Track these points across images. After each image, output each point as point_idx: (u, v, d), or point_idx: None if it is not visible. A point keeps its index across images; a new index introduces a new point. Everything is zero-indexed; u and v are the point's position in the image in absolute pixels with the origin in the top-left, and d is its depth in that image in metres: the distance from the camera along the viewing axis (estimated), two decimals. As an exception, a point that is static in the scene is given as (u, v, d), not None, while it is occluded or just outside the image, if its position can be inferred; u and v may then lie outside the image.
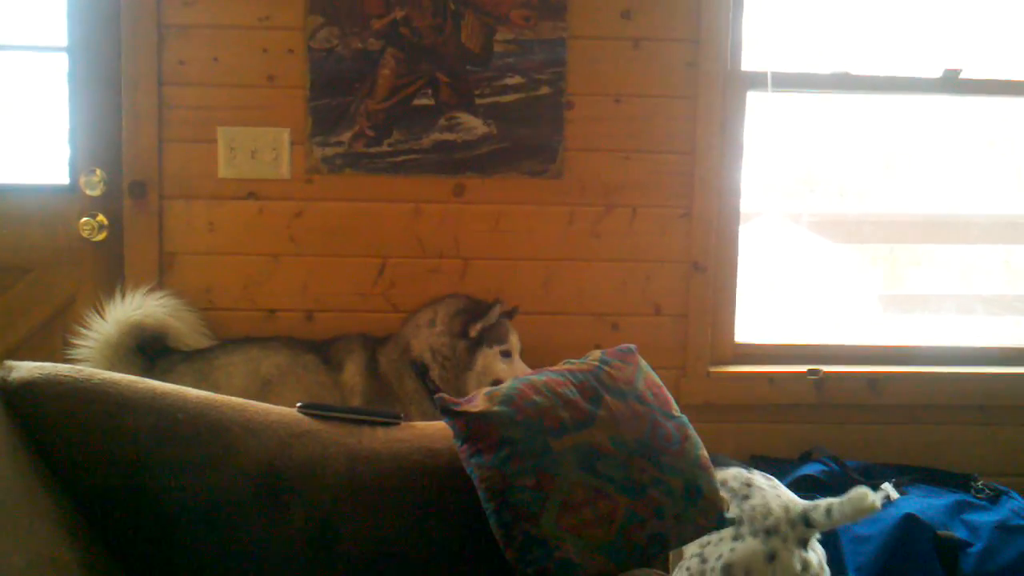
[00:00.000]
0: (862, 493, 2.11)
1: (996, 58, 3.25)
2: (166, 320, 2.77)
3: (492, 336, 2.75)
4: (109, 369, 2.45)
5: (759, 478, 2.37)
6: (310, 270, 2.98)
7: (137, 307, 2.74)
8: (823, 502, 2.20)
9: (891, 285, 3.77)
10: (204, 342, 2.84)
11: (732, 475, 2.37)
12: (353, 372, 2.74)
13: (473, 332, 2.73)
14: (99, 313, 2.72)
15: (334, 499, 1.92)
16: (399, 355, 2.77)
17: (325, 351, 2.80)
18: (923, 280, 3.76)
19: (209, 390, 2.03)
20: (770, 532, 2.23)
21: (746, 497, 2.30)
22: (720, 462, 2.37)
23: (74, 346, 2.69)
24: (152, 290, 2.81)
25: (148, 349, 2.73)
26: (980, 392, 3.13)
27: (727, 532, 2.24)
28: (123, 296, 2.76)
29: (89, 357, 2.67)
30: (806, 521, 2.21)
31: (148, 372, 2.54)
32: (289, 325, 2.96)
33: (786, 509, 2.25)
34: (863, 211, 3.61)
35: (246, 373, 2.67)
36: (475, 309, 2.77)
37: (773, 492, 2.32)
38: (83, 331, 2.69)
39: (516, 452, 1.92)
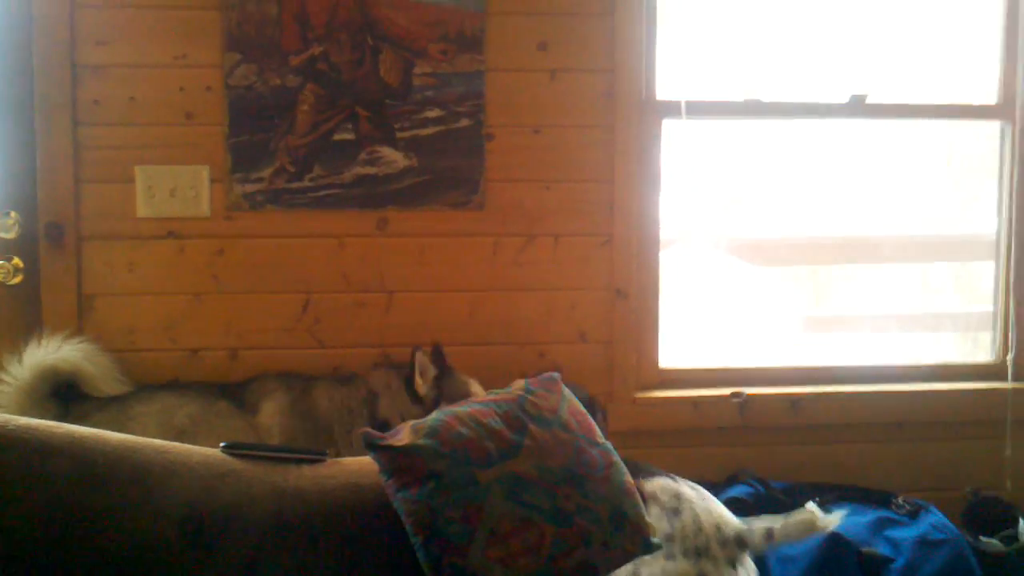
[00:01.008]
0: (809, 515, 2.12)
1: (901, 83, 3.36)
2: (81, 364, 2.72)
3: (451, 393, 2.70)
4: (23, 415, 2.41)
5: (687, 489, 2.37)
6: (233, 308, 2.96)
7: (52, 351, 2.70)
8: (760, 525, 2.21)
9: (813, 306, 3.84)
10: (119, 387, 2.79)
11: (660, 487, 2.36)
12: (271, 412, 2.71)
13: (422, 392, 2.72)
14: (14, 359, 2.67)
15: (260, 539, 1.90)
16: (359, 404, 2.76)
17: (240, 395, 2.77)
18: (844, 300, 3.83)
19: (123, 440, 2.00)
20: (700, 552, 2.25)
21: (676, 512, 2.31)
22: (644, 471, 2.37)
23: None
24: (70, 334, 2.77)
25: (63, 395, 2.69)
26: (898, 409, 3.20)
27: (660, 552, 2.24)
28: (39, 341, 2.71)
29: (2, 403, 2.62)
30: (739, 543, 2.23)
31: (62, 419, 2.49)
32: (213, 364, 2.93)
33: (718, 528, 2.25)
34: (781, 234, 3.67)
35: (159, 424, 2.62)
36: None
37: (703, 506, 2.32)
38: (0, 375, 2.65)
39: (442, 485, 1.92)
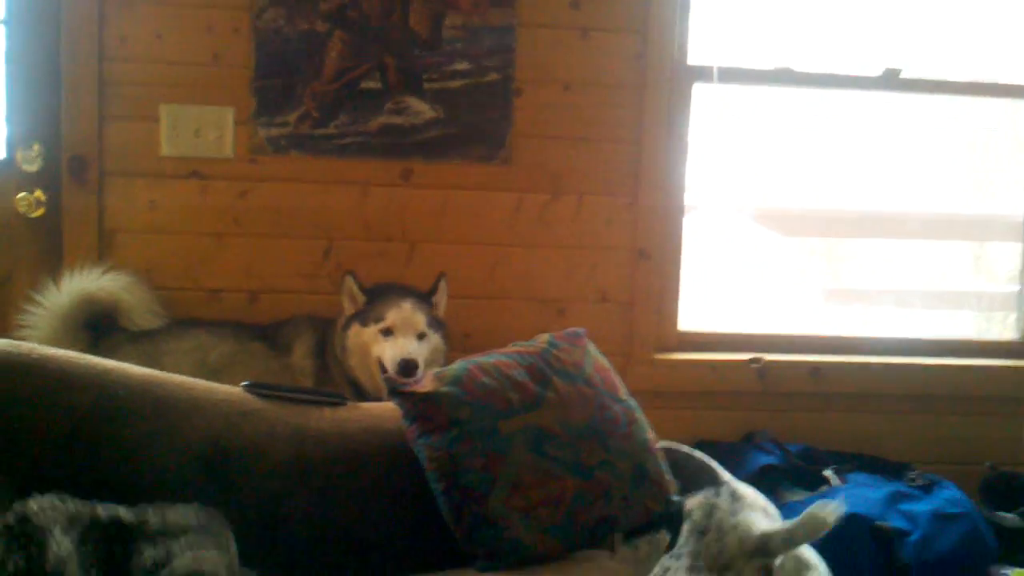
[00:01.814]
0: (814, 514, 2.10)
1: (935, 58, 3.32)
2: (119, 294, 2.71)
3: (369, 315, 2.66)
4: (54, 342, 2.42)
5: (724, 501, 2.32)
6: (254, 251, 2.94)
7: (92, 280, 2.68)
8: (779, 531, 2.17)
9: (829, 279, 3.82)
10: (154, 321, 2.77)
11: (697, 504, 2.33)
12: (302, 354, 2.71)
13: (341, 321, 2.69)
14: (51, 286, 2.66)
15: (281, 479, 1.90)
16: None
17: (273, 336, 2.76)
18: (860, 274, 3.81)
19: (156, 375, 1.99)
20: (724, 570, 2.21)
21: (703, 532, 2.27)
22: (693, 479, 2.33)
23: (23, 314, 2.63)
24: (107, 269, 2.74)
25: (95, 326, 2.68)
26: (919, 382, 3.19)
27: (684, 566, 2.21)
28: (73, 270, 2.69)
29: (36, 325, 2.62)
30: (764, 552, 2.19)
31: (92, 349, 2.48)
32: (233, 306, 2.92)
33: (740, 542, 2.20)
34: (806, 205, 3.65)
35: (194, 362, 2.61)
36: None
37: (731, 523, 2.27)
38: (35, 299, 2.64)
39: (465, 433, 1.92)
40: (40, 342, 2.47)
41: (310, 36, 2.90)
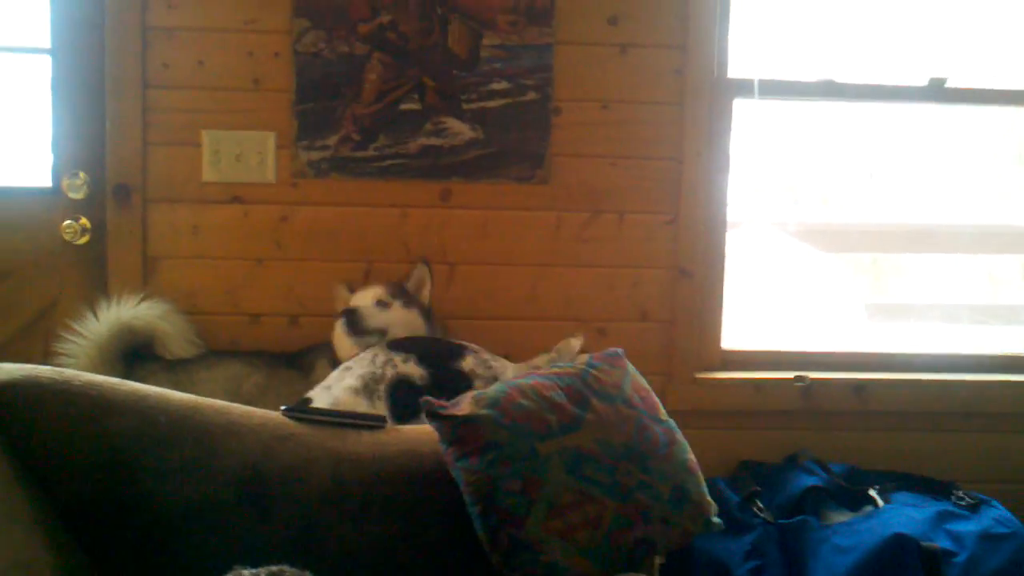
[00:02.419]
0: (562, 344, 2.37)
1: (982, 68, 3.26)
2: (156, 323, 2.75)
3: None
4: (92, 371, 2.45)
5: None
6: (295, 274, 2.96)
7: (129, 309, 2.73)
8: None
9: (873, 294, 3.77)
10: (191, 350, 2.81)
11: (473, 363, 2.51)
12: (323, 373, 2.72)
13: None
14: (92, 314, 2.71)
15: (318, 504, 1.91)
16: None
17: (300, 361, 2.80)
18: (905, 290, 3.76)
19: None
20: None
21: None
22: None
23: (62, 343, 2.68)
24: (143, 297, 2.79)
25: (132, 354, 2.72)
26: (966, 399, 3.12)
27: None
28: (113, 299, 2.75)
29: (75, 354, 2.66)
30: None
31: (128, 377, 2.51)
32: (274, 330, 2.94)
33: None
34: (849, 220, 3.61)
35: (227, 391, 2.64)
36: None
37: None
38: (74, 329, 2.68)
39: (502, 455, 1.91)
40: (82, 369, 2.53)
41: (350, 59, 2.92)
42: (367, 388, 2.42)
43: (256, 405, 2.26)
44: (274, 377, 2.73)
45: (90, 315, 2.70)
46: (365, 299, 2.70)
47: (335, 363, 2.66)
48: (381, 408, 2.39)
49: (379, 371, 2.46)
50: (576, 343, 2.64)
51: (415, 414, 2.16)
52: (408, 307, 2.72)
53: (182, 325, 2.82)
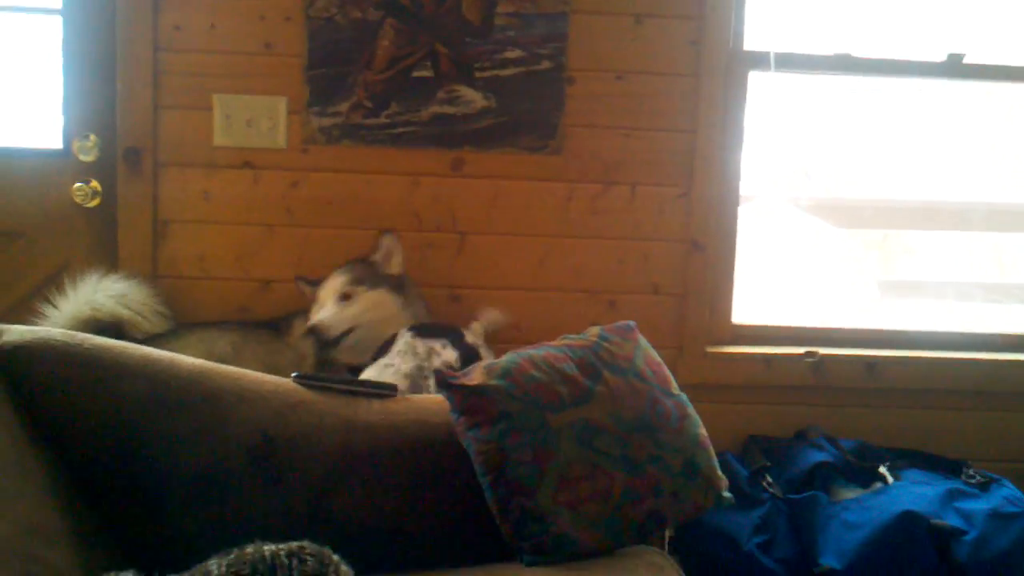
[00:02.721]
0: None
1: (1000, 44, 3.23)
2: (117, 311, 2.71)
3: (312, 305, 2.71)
4: None
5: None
6: (305, 241, 2.95)
7: (85, 300, 2.68)
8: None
9: (884, 271, 3.76)
10: (160, 325, 2.79)
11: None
12: (300, 335, 2.71)
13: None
14: (54, 302, 2.68)
15: (329, 471, 1.91)
16: None
17: (278, 323, 2.79)
18: (916, 267, 3.74)
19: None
20: None
21: None
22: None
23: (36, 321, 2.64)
24: (105, 274, 2.76)
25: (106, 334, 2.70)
26: (977, 378, 3.11)
27: None
28: (77, 282, 2.71)
29: None
30: None
31: None
32: (283, 296, 2.91)
33: None
34: (862, 196, 3.59)
35: (200, 352, 2.59)
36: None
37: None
38: (44, 314, 2.66)
39: (513, 426, 1.90)
40: None
41: (362, 24, 2.90)
42: (414, 381, 2.41)
43: (231, 362, 2.23)
44: (248, 335, 2.71)
45: (58, 300, 2.68)
46: (328, 297, 2.66)
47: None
48: None
49: (425, 363, 2.45)
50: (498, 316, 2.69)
51: None
52: (374, 288, 2.68)
53: (146, 304, 2.77)
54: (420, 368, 2.43)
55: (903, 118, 3.49)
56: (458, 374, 2.00)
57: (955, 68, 3.14)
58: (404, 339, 2.51)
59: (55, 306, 2.68)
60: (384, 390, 2.08)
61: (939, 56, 3.14)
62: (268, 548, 1.40)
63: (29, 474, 1.67)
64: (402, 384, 2.32)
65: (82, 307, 2.68)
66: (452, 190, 2.97)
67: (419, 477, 1.95)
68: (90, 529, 1.73)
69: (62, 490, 1.73)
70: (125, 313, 2.73)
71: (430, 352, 2.46)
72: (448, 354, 2.45)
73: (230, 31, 2.88)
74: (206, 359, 2.43)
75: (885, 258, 3.75)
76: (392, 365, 2.45)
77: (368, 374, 2.44)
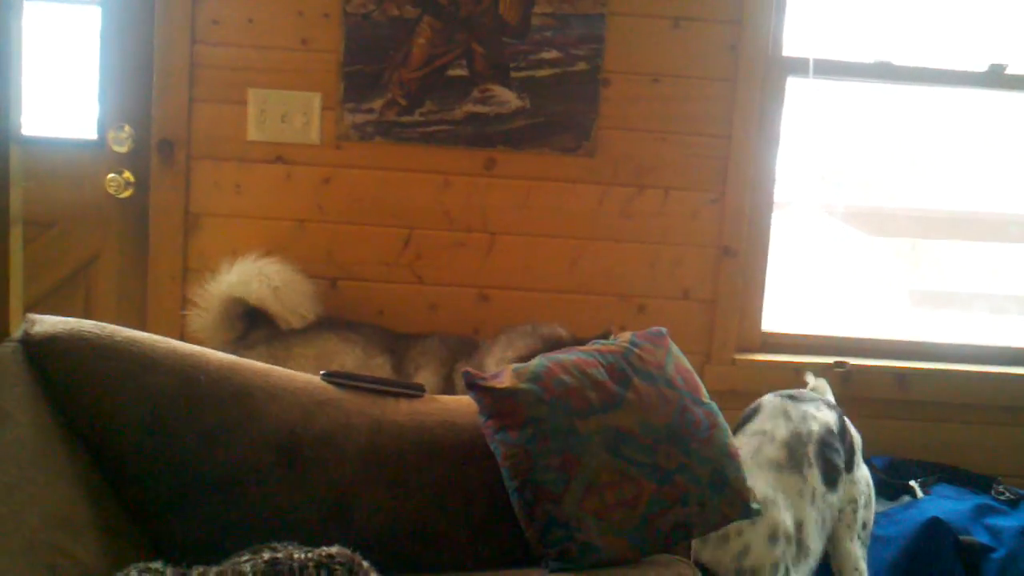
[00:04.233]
0: None
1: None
2: (266, 299, 2.69)
3: None
4: (214, 328, 2.64)
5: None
6: (336, 237, 2.95)
7: (243, 284, 2.69)
8: None
9: (914, 281, 3.72)
10: (302, 321, 2.75)
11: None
12: (424, 381, 2.61)
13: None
14: (210, 280, 2.72)
15: (354, 470, 1.90)
16: None
17: (401, 352, 2.72)
18: (948, 278, 3.70)
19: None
20: None
21: None
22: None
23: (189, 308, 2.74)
24: (260, 256, 2.77)
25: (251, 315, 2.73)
26: (1010, 393, 3.08)
27: None
28: (231, 264, 2.73)
29: (204, 309, 2.70)
30: None
31: (239, 341, 2.65)
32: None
33: None
34: (896, 204, 3.55)
35: (315, 370, 2.61)
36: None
37: None
38: (199, 291, 2.71)
39: (542, 431, 1.89)
40: (205, 326, 2.65)
41: (399, 22, 2.89)
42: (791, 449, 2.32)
43: None
44: (366, 362, 2.67)
45: (206, 283, 2.71)
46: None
47: (444, 379, 2.63)
48: None
49: (801, 427, 2.36)
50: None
51: None
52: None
53: (296, 298, 2.75)
54: (797, 435, 2.34)
55: (940, 127, 3.45)
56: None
57: (997, 78, 3.11)
58: (771, 404, 2.43)
59: (215, 279, 2.71)
60: (412, 389, 2.08)
61: (980, 66, 3.10)
62: (298, 554, 1.39)
63: (58, 466, 1.67)
64: (780, 454, 2.29)
65: (235, 288, 2.69)
66: (484, 190, 2.96)
67: (445, 478, 1.94)
68: (117, 522, 1.73)
69: (90, 482, 1.72)
70: (277, 308, 2.72)
71: (804, 416, 2.38)
72: (825, 415, 2.41)
73: (267, 26, 2.88)
74: None
75: (919, 268, 3.71)
76: (765, 432, 2.36)
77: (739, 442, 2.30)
